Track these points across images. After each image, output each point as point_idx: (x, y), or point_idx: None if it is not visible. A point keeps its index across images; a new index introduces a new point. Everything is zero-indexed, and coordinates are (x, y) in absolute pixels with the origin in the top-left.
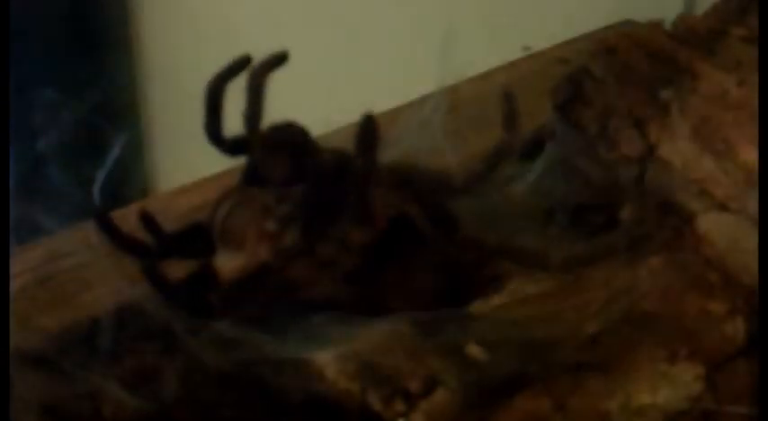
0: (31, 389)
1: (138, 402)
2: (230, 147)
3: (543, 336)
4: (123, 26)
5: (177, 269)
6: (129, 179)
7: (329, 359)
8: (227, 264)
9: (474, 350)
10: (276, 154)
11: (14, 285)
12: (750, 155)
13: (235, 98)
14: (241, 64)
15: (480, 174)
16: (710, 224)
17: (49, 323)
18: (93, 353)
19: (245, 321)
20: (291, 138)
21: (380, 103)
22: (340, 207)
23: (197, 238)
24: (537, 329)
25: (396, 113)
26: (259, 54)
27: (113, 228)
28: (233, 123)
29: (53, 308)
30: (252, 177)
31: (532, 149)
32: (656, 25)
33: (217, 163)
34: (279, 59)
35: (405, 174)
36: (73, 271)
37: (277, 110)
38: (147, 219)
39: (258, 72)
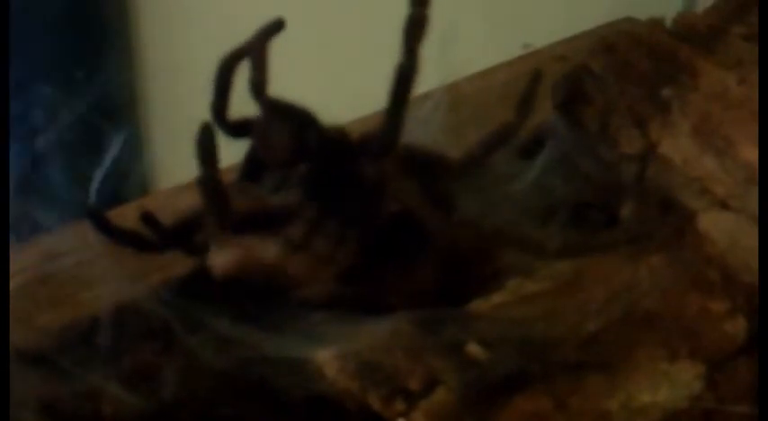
0: (30, 387)
1: (137, 401)
2: (233, 128)
3: (543, 335)
4: (123, 24)
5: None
6: (129, 177)
7: (329, 358)
8: (220, 259)
9: (474, 349)
10: (279, 128)
11: (13, 284)
12: (751, 153)
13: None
14: (252, 43)
15: (478, 157)
16: (711, 222)
17: (48, 322)
18: (92, 352)
19: (245, 318)
20: (294, 114)
21: (380, 101)
22: (344, 187)
23: (196, 233)
24: (537, 328)
25: None
26: None
27: (106, 222)
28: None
29: (52, 306)
30: (251, 167)
31: (533, 148)
32: (656, 23)
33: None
34: (276, 26)
35: (404, 156)
36: (72, 269)
37: None
38: (148, 218)
39: (258, 40)
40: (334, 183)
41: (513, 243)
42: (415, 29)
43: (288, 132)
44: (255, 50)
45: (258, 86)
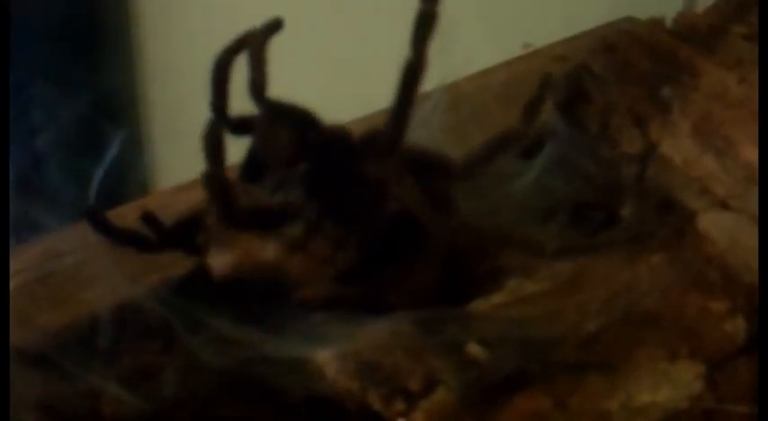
0: (29, 387)
1: (137, 401)
2: (235, 125)
3: (543, 335)
4: (123, 24)
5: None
6: (129, 176)
7: (329, 358)
8: (219, 260)
9: (474, 349)
10: (279, 129)
11: (13, 283)
12: (751, 153)
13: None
14: (246, 38)
15: (482, 160)
16: (711, 222)
17: (48, 321)
18: (92, 352)
19: (245, 318)
20: (294, 114)
21: (380, 101)
22: (345, 187)
23: (196, 233)
24: (537, 328)
25: None
26: None
27: (105, 222)
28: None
29: (52, 306)
30: (251, 167)
31: (533, 147)
32: (656, 22)
33: None
34: (274, 26)
35: (407, 157)
36: (72, 269)
37: None
38: (148, 218)
39: (257, 39)
40: (334, 183)
41: (512, 243)
42: (424, 24)
43: (288, 132)
44: (254, 50)
45: (257, 87)
